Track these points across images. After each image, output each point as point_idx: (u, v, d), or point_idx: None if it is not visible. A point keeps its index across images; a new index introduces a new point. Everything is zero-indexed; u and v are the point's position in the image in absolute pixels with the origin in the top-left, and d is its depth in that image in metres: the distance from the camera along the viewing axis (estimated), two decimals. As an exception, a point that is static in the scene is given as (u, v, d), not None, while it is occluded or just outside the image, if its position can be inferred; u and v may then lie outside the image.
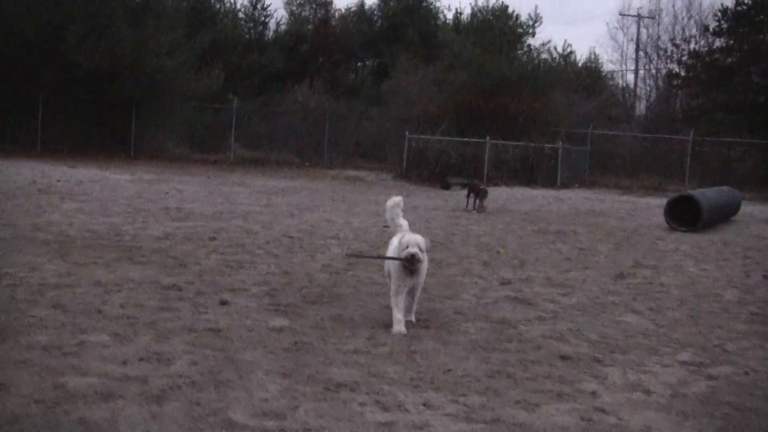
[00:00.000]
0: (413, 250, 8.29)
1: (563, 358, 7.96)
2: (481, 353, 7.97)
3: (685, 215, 19.90)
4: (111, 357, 7.08)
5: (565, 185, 32.79)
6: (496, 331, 8.83)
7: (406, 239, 8.44)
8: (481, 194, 22.11)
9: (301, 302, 9.62)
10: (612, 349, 8.37)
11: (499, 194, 27.61)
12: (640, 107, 57.53)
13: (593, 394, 6.92)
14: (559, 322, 9.44)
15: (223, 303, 9.25)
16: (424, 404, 6.35)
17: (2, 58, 33.09)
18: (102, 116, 35.81)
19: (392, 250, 8.72)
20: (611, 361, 7.96)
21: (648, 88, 57.62)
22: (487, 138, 32.43)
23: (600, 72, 56.25)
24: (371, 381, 6.80)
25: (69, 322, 8.07)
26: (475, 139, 32.87)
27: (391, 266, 8.66)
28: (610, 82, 58.57)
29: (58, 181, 23.14)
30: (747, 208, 25.88)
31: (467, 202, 22.49)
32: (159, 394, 6.23)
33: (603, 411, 6.48)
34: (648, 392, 7.06)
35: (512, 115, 35.00)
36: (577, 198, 28.53)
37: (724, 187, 25.74)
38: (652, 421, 6.34)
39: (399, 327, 8.38)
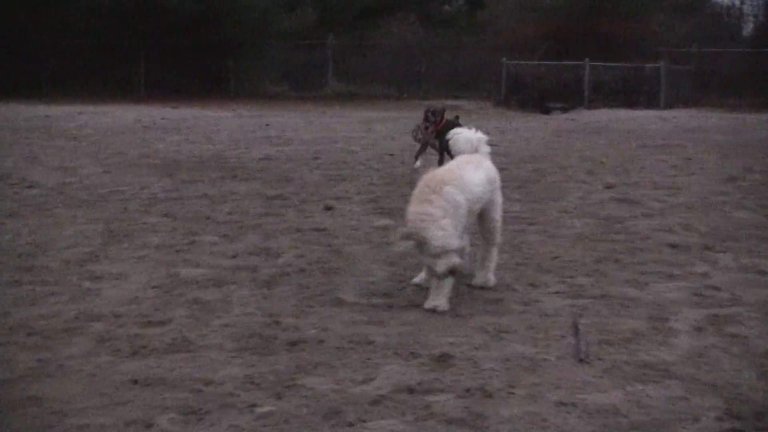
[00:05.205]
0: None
1: (672, 246, 7.81)
2: (587, 243, 7.89)
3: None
4: (221, 252, 7.27)
5: (668, 105, 31.89)
6: (602, 226, 8.72)
7: None
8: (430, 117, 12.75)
9: (404, 205, 9.63)
10: (723, 239, 8.17)
11: (600, 116, 27.09)
12: (748, 28, 55.19)
13: (704, 275, 6.79)
14: (667, 218, 9.25)
15: (328, 208, 9.37)
16: (531, 284, 6.35)
17: (103, 10, 33.76)
18: (200, 59, 36.30)
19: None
20: (722, 248, 7.77)
21: (755, 7, 55.29)
22: (586, 60, 31.71)
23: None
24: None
25: (179, 227, 8.31)
26: (573, 62, 32.20)
27: None
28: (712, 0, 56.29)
29: (162, 119, 23.60)
30: None
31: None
32: (269, 279, 6.39)
33: (715, 288, 6.36)
34: (762, 273, 6.88)
35: (610, 36, 34.09)
36: (682, 117, 27.71)
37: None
38: (768, 296, 6.19)
39: None
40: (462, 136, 6.58)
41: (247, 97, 35.00)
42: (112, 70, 35.83)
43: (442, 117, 12.45)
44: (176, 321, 5.38)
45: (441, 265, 5.50)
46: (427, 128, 12.41)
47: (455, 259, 5.53)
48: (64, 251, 7.27)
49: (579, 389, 4.38)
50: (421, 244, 5.56)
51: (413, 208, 5.74)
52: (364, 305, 5.77)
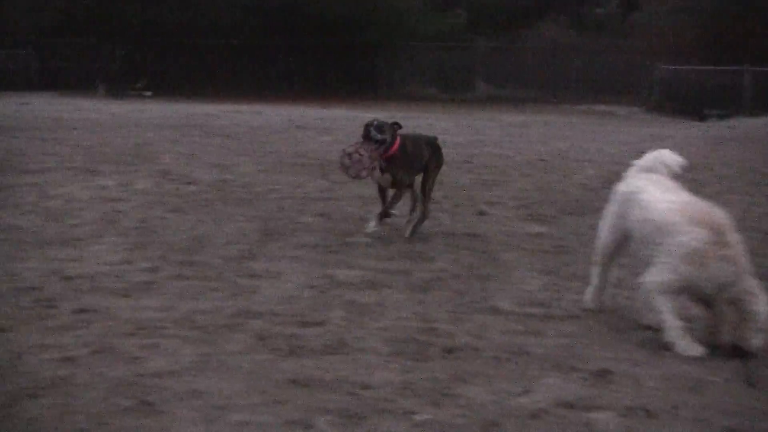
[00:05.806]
0: None
1: None
2: (752, 260, 7.54)
3: None
4: (375, 255, 7.33)
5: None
6: (768, 241, 8.35)
7: None
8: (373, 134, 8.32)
9: (558, 213, 9.53)
10: None
11: (761, 124, 25.95)
12: None
13: None
14: (839, 235, 8.78)
15: (481, 213, 9.33)
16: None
17: (258, 11, 34.83)
18: (350, 60, 36.96)
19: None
20: None
21: None
22: (746, 65, 30.49)
23: None
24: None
25: (334, 227, 8.43)
26: (732, 67, 31.00)
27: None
28: None
29: (314, 119, 24.03)
30: None
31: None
32: (423, 284, 6.40)
33: None
34: None
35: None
36: None
37: None
38: None
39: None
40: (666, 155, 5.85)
41: (395, 98, 35.27)
42: (265, 70, 36.95)
43: (395, 136, 8.07)
44: (332, 322, 5.45)
45: (758, 339, 4.94)
46: (376, 152, 7.91)
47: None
48: (223, 247, 7.48)
49: (748, 416, 4.18)
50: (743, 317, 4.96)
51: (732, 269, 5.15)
52: (520, 314, 5.69)
